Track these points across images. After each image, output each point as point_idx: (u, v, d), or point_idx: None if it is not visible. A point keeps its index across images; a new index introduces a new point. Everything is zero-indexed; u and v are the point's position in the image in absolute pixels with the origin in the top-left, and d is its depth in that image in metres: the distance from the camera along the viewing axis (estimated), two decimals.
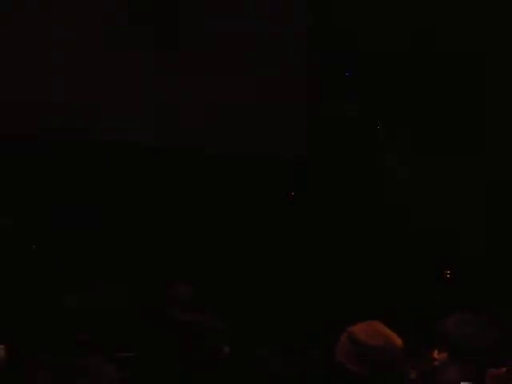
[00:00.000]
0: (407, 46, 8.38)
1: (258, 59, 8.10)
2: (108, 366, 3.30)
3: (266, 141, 8.05)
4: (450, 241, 8.32)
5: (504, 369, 4.45)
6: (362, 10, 8.38)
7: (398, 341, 2.36)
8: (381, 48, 8.41)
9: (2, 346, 3.37)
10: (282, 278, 7.85)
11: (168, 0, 7.96)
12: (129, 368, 3.86)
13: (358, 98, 8.60)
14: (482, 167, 8.28)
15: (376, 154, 8.65)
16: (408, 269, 8.10)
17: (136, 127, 7.70)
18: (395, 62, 8.43)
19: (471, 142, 8.32)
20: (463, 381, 2.57)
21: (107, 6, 7.74)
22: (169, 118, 7.79)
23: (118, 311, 6.04)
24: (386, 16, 8.39)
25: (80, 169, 7.74)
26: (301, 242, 8.20)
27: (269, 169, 8.25)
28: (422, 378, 3.03)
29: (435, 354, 2.62)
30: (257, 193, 8.20)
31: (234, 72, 8.00)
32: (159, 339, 4.12)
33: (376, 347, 2.29)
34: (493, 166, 8.26)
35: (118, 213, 7.81)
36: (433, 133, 8.42)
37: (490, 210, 8.38)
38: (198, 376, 2.92)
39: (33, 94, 7.40)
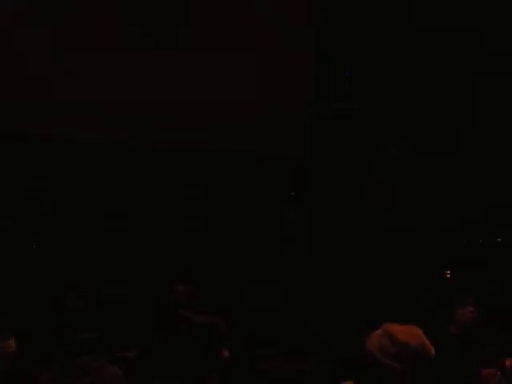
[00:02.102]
0: (407, 46, 8.38)
1: (259, 60, 8.10)
2: (109, 365, 3.30)
3: (265, 141, 8.05)
4: (448, 239, 8.33)
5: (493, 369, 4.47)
6: (362, 10, 8.38)
7: (431, 347, 2.44)
8: (381, 48, 8.42)
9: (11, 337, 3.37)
10: (283, 277, 7.86)
11: (168, 0, 7.96)
12: (129, 367, 3.86)
13: (358, 98, 8.60)
14: (482, 168, 8.29)
15: (375, 153, 8.65)
16: (406, 269, 8.10)
17: (136, 127, 7.70)
18: (395, 63, 8.43)
19: (472, 142, 8.32)
20: None
21: (107, 5, 7.75)
22: (169, 118, 7.79)
23: (120, 311, 6.04)
24: (387, 16, 8.40)
25: (80, 169, 7.75)
26: (301, 241, 8.21)
27: (269, 168, 8.26)
28: None
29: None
30: (256, 192, 8.20)
31: (234, 72, 8.01)
32: (159, 339, 4.12)
33: (409, 344, 2.37)
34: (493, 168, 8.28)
35: (117, 213, 7.81)
36: (433, 133, 8.42)
37: (489, 209, 8.38)
38: (199, 376, 2.92)
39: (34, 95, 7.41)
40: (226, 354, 2.87)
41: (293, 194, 8.56)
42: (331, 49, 8.53)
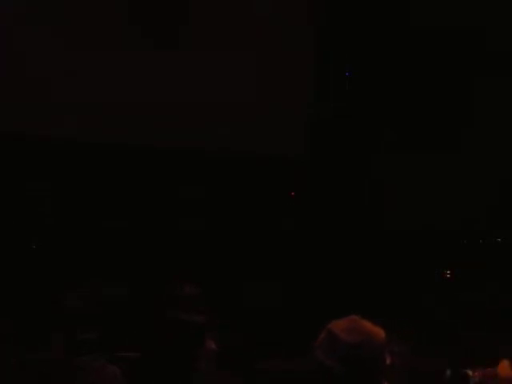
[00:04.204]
0: (407, 46, 8.38)
1: (259, 60, 8.10)
2: (109, 365, 3.31)
3: (265, 141, 8.05)
4: (448, 239, 8.33)
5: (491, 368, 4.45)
6: (362, 10, 8.38)
7: (379, 337, 2.29)
8: (381, 48, 8.42)
9: None
10: (283, 278, 7.86)
11: (168, 0, 7.96)
12: (129, 367, 3.86)
13: (358, 98, 8.59)
14: (482, 168, 8.29)
15: (375, 153, 8.65)
16: (406, 269, 8.10)
17: (136, 127, 7.70)
18: (395, 62, 8.43)
19: (472, 142, 8.32)
20: None
21: (107, 5, 7.75)
22: (169, 118, 7.79)
23: (120, 311, 6.04)
24: (387, 16, 8.39)
25: (80, 169, 7.75)
26: (301, 241, 8.21)
27: (269, 168, 8.26)
28: None
29: None
30: (256, 192, 8.20)
31: (234, 72, 8.01)
32: (160, 339, 4.12)
33: (353, 344, 2.24)
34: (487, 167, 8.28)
35: (117, 213, 7.81)
36: (433, 133, 8.42)
37: (489, 209, 8.38)
38: (198, 376, 2.92)
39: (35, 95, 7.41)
40: (213, 345, 2.87)
41: (293, 193, 8.56)
42: (331, 49, 8.52)
